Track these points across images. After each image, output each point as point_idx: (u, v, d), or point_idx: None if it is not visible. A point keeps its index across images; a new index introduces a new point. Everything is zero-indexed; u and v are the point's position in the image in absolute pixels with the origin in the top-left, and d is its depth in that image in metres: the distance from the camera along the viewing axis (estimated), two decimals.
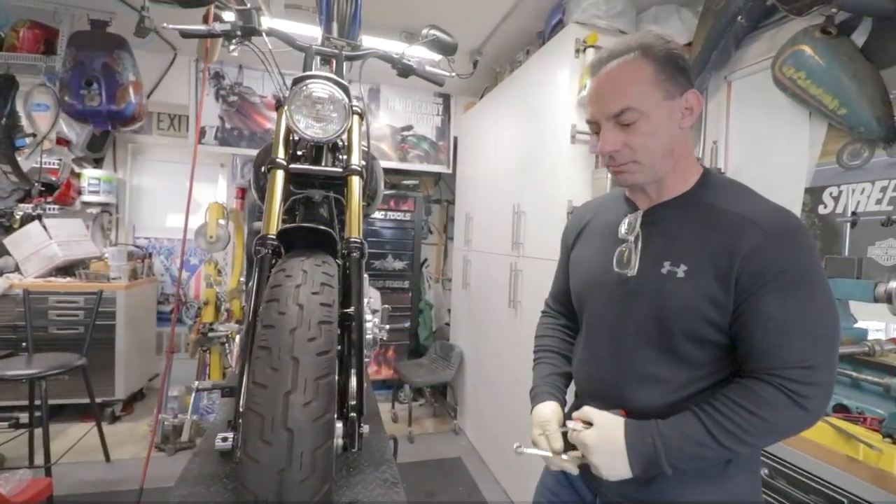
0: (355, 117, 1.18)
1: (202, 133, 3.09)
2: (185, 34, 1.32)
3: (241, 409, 0.82)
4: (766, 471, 1.18)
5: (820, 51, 1.55)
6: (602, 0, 1.95)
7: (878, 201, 1.51)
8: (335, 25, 1.59)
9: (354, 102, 1.19)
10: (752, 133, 1.95)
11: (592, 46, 1.95)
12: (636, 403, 0.81)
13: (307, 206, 1.28)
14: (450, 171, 3.62)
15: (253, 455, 0.53)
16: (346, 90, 1.18)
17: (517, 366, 2.38)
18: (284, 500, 0.51)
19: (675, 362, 0.79)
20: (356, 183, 1.16)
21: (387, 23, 2.53)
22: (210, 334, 2.77)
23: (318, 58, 1.41)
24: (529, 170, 2.35)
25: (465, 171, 3.41)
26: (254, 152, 3.25)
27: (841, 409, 1.14)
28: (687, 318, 0.75)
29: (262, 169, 1.44)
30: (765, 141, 1.89)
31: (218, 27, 1.33)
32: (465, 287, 3.25)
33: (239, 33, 1.32)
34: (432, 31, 1.52)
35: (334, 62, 1.44)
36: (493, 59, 2.92)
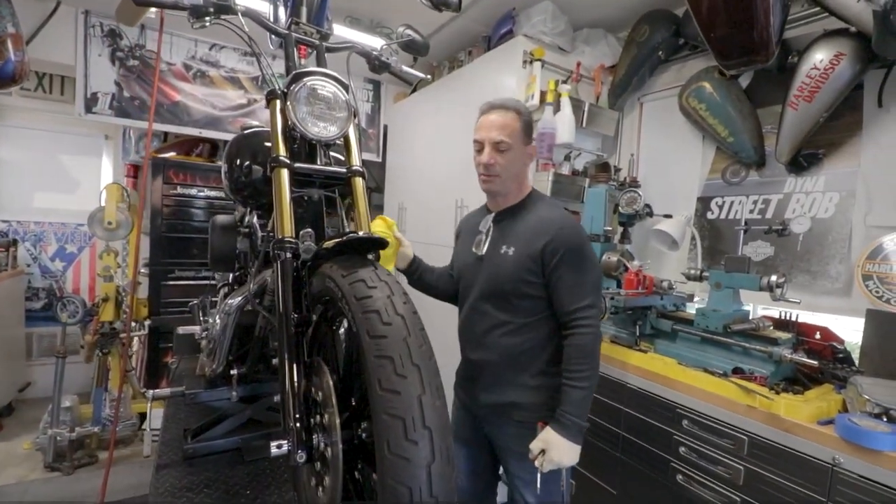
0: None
1: (93, 100, 2.64)
2: (142, 2, 1.19)
3: (294, 416, 0.84)
4: (686, 421, 1.52)
5: (717, 89, 1.95)
6: (549, 18, 2.15)
7: (751, 211, 1.97)
8: (304, 9, 1.52)
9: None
10: (658, 148, 2.35)
11: (539, 60, 2.15)
12: (493, 342, 1.26)
13: (306, 205, 1.26)
14: (379, 159, 3.61)
15: (402, 454, 0.59)
16: (347, 89, 1.18)
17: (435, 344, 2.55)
18: (434, 490, 0.59)
19: (509, 309, 1.25)
20: (360, 184, 1.18)
21: (332, 5, 2.43)
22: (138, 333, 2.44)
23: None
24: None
25: (397, 161, 3.44)
26: (162, 126, 2.89)
27: (738, 371, 1.51)
28: (514, 280, 1.23)
29: (241, 162, 1.36)
30: (668, 156, 2.29)
31: (187, 1, 1.21)
32: (396, 276, 3.31)
33: (211, 10, 1.22)
34: (407, 31, 1.54)
35: (315, 53, 1.39)
36: (431, 55, 2.97)
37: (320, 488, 0.86)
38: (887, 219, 1.59)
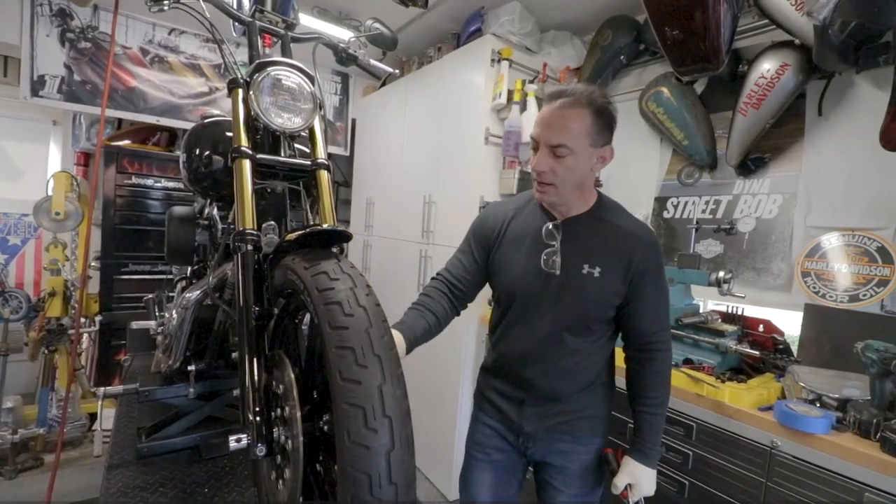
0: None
1: (41, 83, 2.48)
2: None
3: (254, 409, 0.83)
4: None
5: (674, 94, 2.04)
6: (517, 19, 2.19)
7: (703, 211, 2.08)
8: None
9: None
10: (619, 149, 2.41)
11: (507, 59, 2.19)
12: (559, 365, 1.10)
13: (268, 198, 1.24)
14: (347, 153, 3.57)
15: (361, 441, 0.59)
16: (312, 80, 1.17)
17: (433, 350, 2.57)
18: (393, 476, 0.60)
19: (585, 334, 1.10)
20: (325, 177, 1.18)
21: None
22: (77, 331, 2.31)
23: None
24: (442, 164, 2.52)
25: (365, 156, 3.41)
26: (115, 113, 2.75)
27: (688, 362, 1.60)
28: (601, 305, 1.07)
29: (201, 152, 1.32)
30: (628, 157, 2.37)
31: None
32: (364, 271, 3.29)
33: None
34: (375, 25, 1.54)
35: (280, 42, 1.37)
36: (401, 50, 2.97)
37: (280, 481, 0.85)
38: (825, 220, 1.71)
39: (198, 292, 1.36)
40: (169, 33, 2.83)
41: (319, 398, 0.86)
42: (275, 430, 0.84)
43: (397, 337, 1.01)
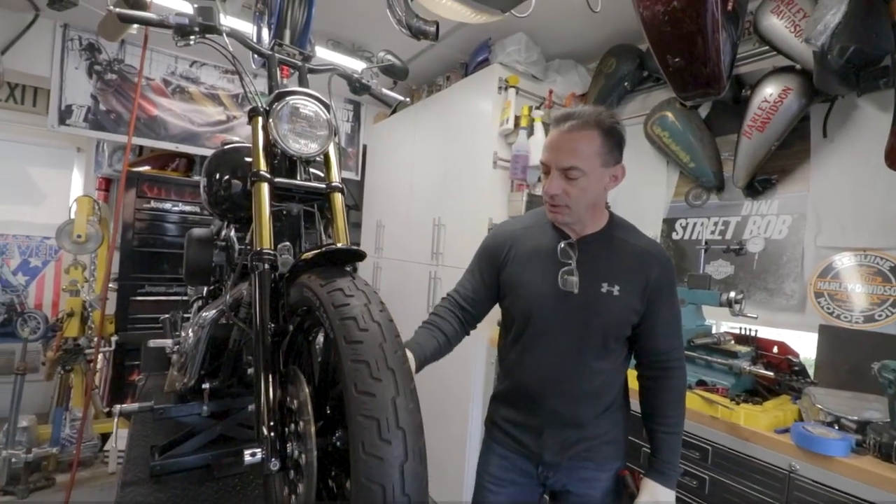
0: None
1: (68, 112, 2.61)
2: (126, 18, 1.22)
3: (269, 424, 0.84)
4: None
5: (679, 118, 2.08)
6: (523, 48, 2.27)
7: (712, 232, 2.08)
8: (287, 32, 1.57)
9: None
10: (627, 173, 2.46)
11: (513, 87, 2.26)
12: (579, 389, 1.08)
13: (284, 220, 1.28)
14: (358, 178, 3.65)
15: (376, 453, 0.61)
16: (328, 108, 1.23)
17: (442, 371, 2.56)
18: (406, 487, 0.61)
19: (606, 355, 1.08)
20: (339, 199, 1.22)
21: (315, 29, 2.50)
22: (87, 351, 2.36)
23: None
24: (451, 187, 2.57)
25: (376, 180, 3.48)
26: (138, 140, 2.87)
27: (701, 384, 1.58)
28: (621, 324, 1.06)
29: (221, 176, 1.38)
30: (635, 180, 2.40)
31: (172, 19, 1.24)
32: None
33: (196, 29, 1.26)
34: (388, 56, 1.61)
35: (297, 73, 1.44)
36: (411, 79, 3.07)
37: (293, 496, 0.86)
38: (835, 240, 1.71)
39: (214, 311, 1.39)
40: (191, 65, 2.97)
41: (332, 414, 0.88)
42: (288, 444, 0.85)
43: (409, 357, 0.99)
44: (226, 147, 1.50)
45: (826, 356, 1.60)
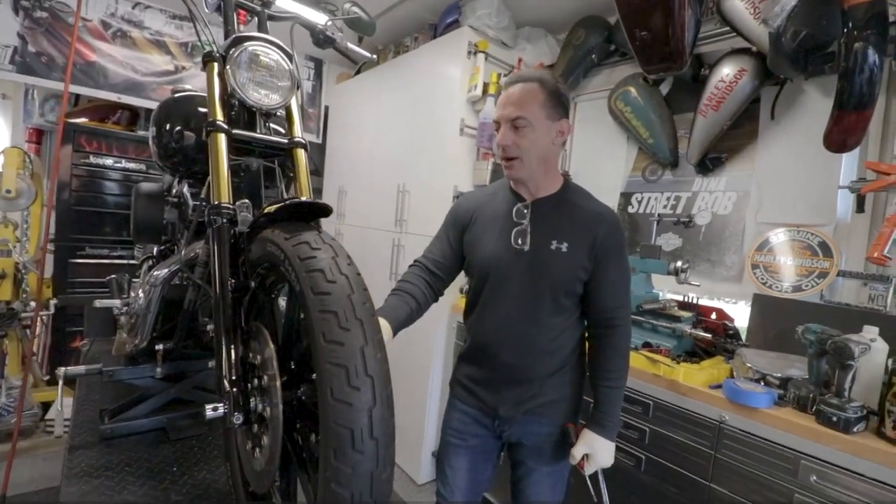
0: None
1: None
2: None
3: (230, 379, 0.84)
4: None
5: (641, 94, 2.14)
6: (494, 13, 2.23)
7: (665, 206, 2.19)
8: None
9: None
10: (589, 146, 2.52)
11: (483, 52, 2.23)
12: (533, 343, 1.14)
13: (242, 176, 1.23)
14: (319, 140, 3.52)
15: (344, 399, 0.62)
16: (290, 58, 1.17)
17: (403, 336, 2.59)
18: (374, 431, 0.62)
19: (558, 311, 1.14)
20: (303, 155, 1.19)
21: None
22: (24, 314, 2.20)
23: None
24: (417, 154, 2.54)
25: (338, 144, 3.38)
26: (74, 88, 2.61)
27: (647, 346, 1.69)
28: (570, 279, 1.12)
29: (172, 127, 1.30)
30: (596, 153, 2.47)
31: None
32: None
33: None
34: (354, 8, 1.54)
35: (254, 20, 1.36)
36: (377, 38, 2.95)
37: (257, 450, 0.86)
38: (774, 216, 1.84)
39: (166, 270, 1.33)
40: (133, 7, 2.72)
41: (297, 368, 0.88)
42: (252, 399, 0.85)
43: (383, 323, 1.04)
44: (176, 96, 1.40)
45: (757, 322, 1.75)
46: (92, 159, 2.78)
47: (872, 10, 1.27)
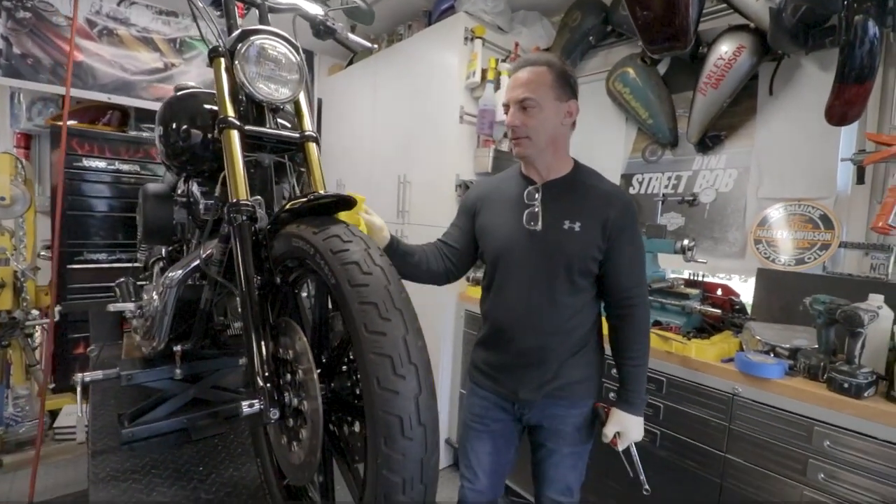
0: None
1: None
2: None
3: (264, 375, 0.84)
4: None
5: (640, 74, 2.14)
6: None
7: (666, 186, 2.21)
8: None
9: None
10: (587, 128, 2.52)
11: (480, 38, 2.21)
12: (550, 324, 1.15)
13: (252, 172, 1.22)
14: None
15: (391, 387, 0.63)
16: (297, 51, 1.16)
17: None
18: (422, 418, 0.64)
19: (573, 291, 1.15)
20: (314, 149, 1.18)
21: None
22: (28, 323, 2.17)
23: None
24: (416, 144, 2.52)
25: (333, 137, 3.35)
26: (59, 89, 2.55)
27: (657, 324, 1.72)
28: (584, 258, 1.13)
29: (178, 126, 1.28)
30: (595, 135, 2.47)
31: None
32: None
33: None
34: None
35: (250, 13, 1.34)
36: (369, 27, 2.91)
37: (294, 444, 0.87)
38: (774, 191, 1.87)
39: (181, 271, 1.32)
40: (118, 4, 2.65)
41: (328, 362, 0.88)
42: (286, 394, 0.86)
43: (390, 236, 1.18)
44: (180, 94, 1.38)
45: (762, 295, 1.79)
46: (85, 162, 2.72)
47: None
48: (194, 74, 2.86)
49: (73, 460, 2.39)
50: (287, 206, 0.91)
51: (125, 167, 2.91)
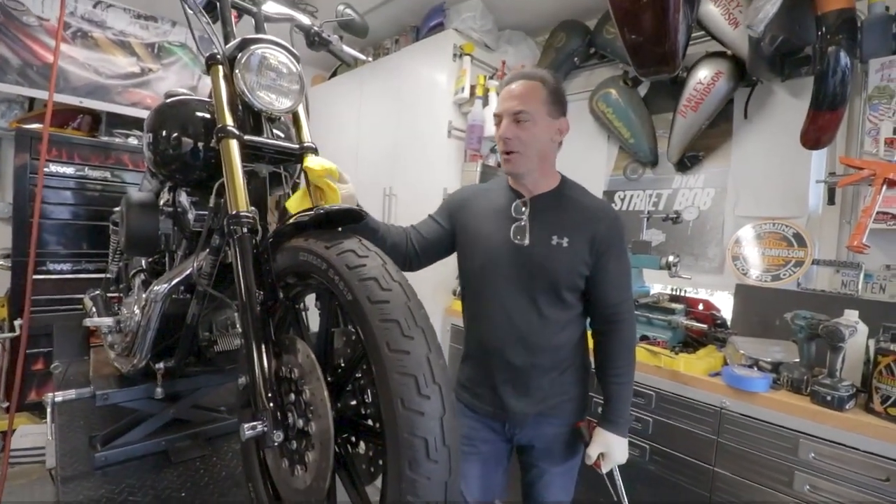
0: None
1: None
2: None
3: (266, 395, 0.80)
4: None
5: (622, 95, 2.22)
6: (478, 16, 2.25)
7: (646, 203, 2.28)
8: None
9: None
10: (571, 146, 2.58)
11: (468, 55, 2.24)
12: (536, 340, 1.12)
13: (249, 183, 1.19)
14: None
15: (416, 408, 0.61)
16: (297, 61, 1.15)
17: None
18: (446, 440, 0.62)
19: (560, 307, 1.14)
20: None
21: None
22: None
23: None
24: (403, 157, 2.52)
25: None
26: (27, 91, 2.43)
27: (644, 339, 1.76)
28: (571, 273, 1.12)
29: (168, 133, 1.23)
30: (579, 153, 2.54)
31: None
32: None
33: None
34: (347, 10, 1.53)
35: (242, 20, 1.32)
36: (356, 40, 2.91)
37: (297, 467, 0.83)
38: (750, 210, 1.96)
39: (166, 284, 1.26)
40: (94, 6, 2.55)
41: (337, 380, 0.85)
42: (290, 415, 0.82)
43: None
44: (170, 100, 1.33)
45: (740, 310, 1.85)
46: (52, 168, 2.58)
47: (843, 15, 1.37)
48: (173, 80, 2.77)
49: (27, 485, 2.22)
50: (291, 220, 0.88)
51: (94, 174, 2.78)
